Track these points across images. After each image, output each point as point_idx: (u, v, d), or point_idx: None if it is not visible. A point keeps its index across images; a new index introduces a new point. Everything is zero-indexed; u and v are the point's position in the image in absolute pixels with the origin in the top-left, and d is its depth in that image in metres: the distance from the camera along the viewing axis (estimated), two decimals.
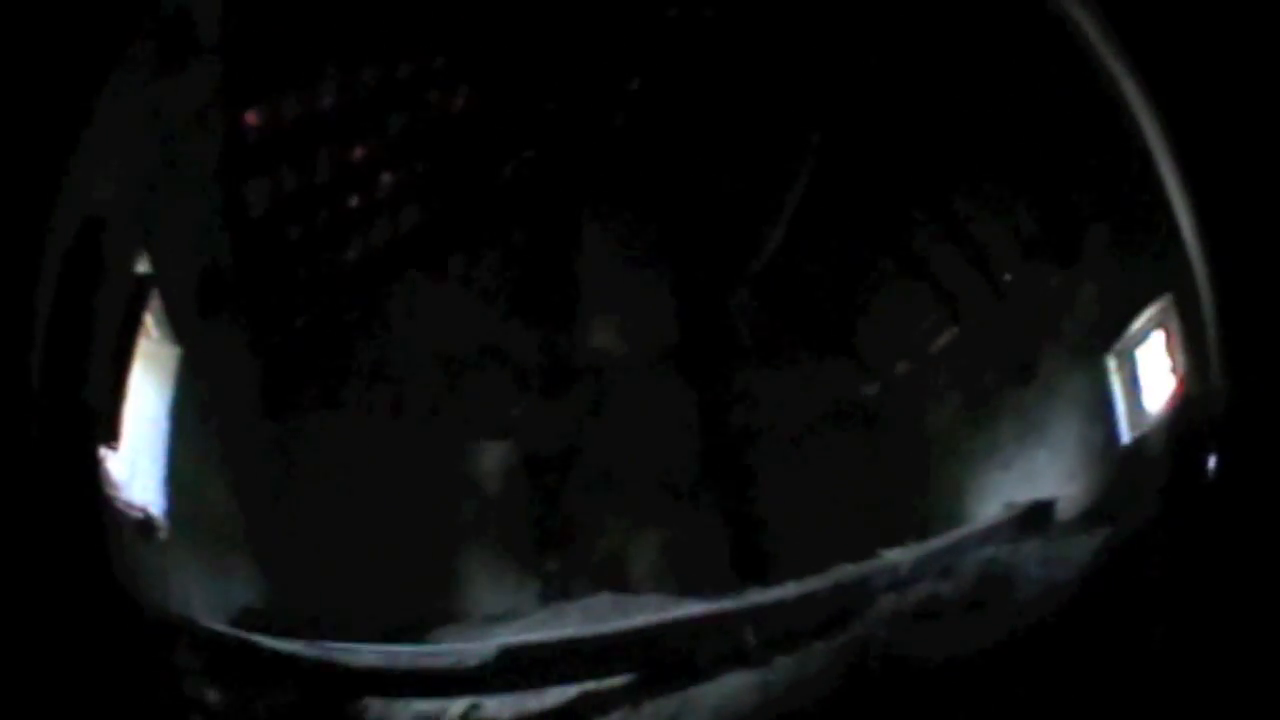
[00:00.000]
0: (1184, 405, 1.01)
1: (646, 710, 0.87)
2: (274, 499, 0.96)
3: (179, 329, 1.02)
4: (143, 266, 1.02)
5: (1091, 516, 0.95)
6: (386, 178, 0.90)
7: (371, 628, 0.93)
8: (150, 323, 1.04)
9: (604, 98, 0.84)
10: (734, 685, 0.86)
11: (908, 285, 0.87)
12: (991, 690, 0.90)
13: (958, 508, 0.90)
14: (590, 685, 0.87)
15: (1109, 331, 0.96)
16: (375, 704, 0.93)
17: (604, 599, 0.85)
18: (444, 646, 0.87)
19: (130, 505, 1.01)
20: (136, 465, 1.04)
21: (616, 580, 0.86)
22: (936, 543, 0.87)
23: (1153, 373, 1.04)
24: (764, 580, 0.86)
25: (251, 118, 0.97)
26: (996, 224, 0.90)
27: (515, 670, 0.86)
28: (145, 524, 1.02)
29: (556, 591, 0.86)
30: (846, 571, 0.85)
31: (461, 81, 0.88)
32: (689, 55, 0.82)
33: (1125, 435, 0.98)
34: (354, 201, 0.91)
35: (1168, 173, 1.07)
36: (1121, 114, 1.06)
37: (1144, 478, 0.99)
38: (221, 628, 0.97)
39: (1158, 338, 1.03)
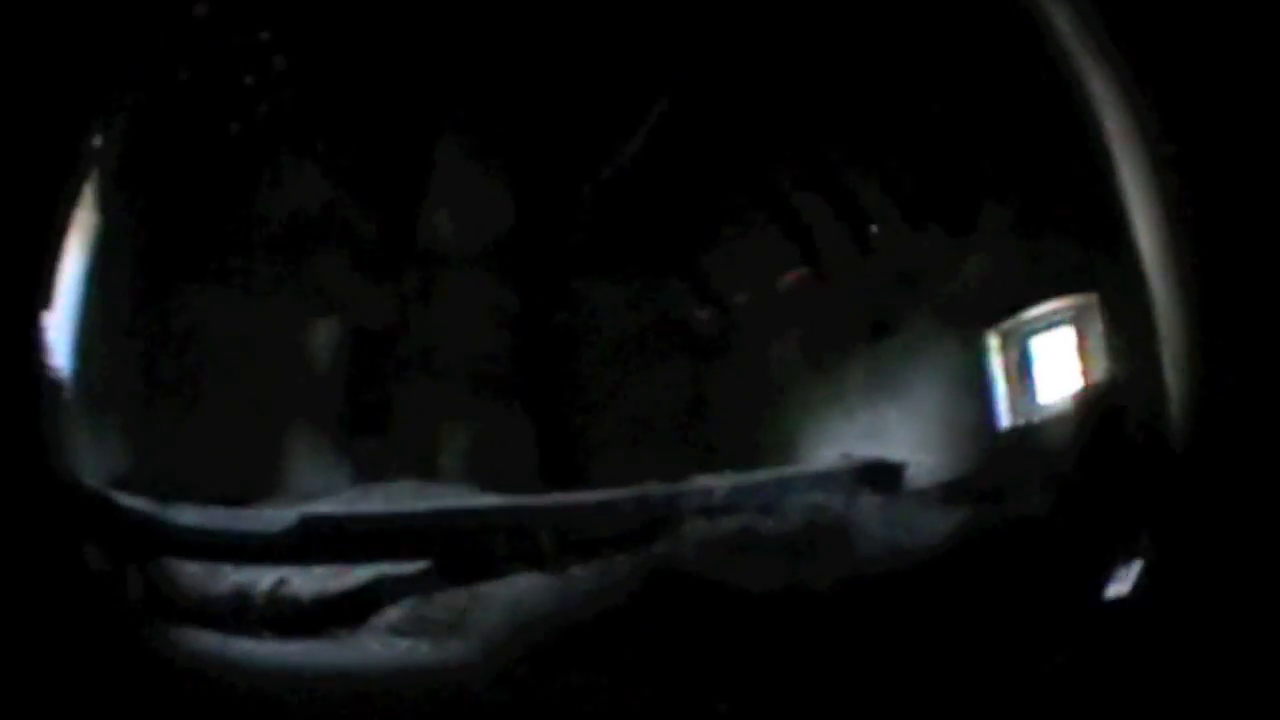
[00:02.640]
0: (1090, 407, 0.98)
1: (439, 600, 0.87)
2: (137, 369, 0.99)
3: (101, 199, 1.07)
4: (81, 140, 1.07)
5: (953, 491, 0.92)
6: (279, 61, 0.93)
7: (202, 495, 0.95)
8: (85, 191, 1.09)
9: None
10: (527, 586, 0.85)
11: (765, 221, 0.86)
12: (807, 633, 0.87)
13: (788, 448, 0.88)
14: (387, 570, 0.87)
15: (995, 311, 0.93)
16: (198, 574, 0.95)
17: (408, 484, 0.86)
18: (252, 513, 0.88)
19: (52, 369, 1.05)
20: (60, 330, 1.09)
21: (425, 468, 0.86)
22: (758, 477, 0.85)
23: (1058, 367, 1.01)
24: (568, 486, 0.85)
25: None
26: (883, 180, 0.89)
27: (313, 541, 0.87)
28: (58, 387, 1.06)
29: (366, 473, 0.87)
30: (655, 488, 0.84)
31: None
32: None
33: (1004, 419, 0.95)
34: (248, 81, 0.94)
35: (1131, 179, 1.04)
36: (1081, 105, 1.04)
37: (1029, 469, 0.96)
38: (95, 487, 1.00)
39: (1066, 333, 1.00)
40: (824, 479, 0.88)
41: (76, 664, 1.08)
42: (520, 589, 0.86)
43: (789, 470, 0.88)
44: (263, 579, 0.92)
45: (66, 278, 1.07)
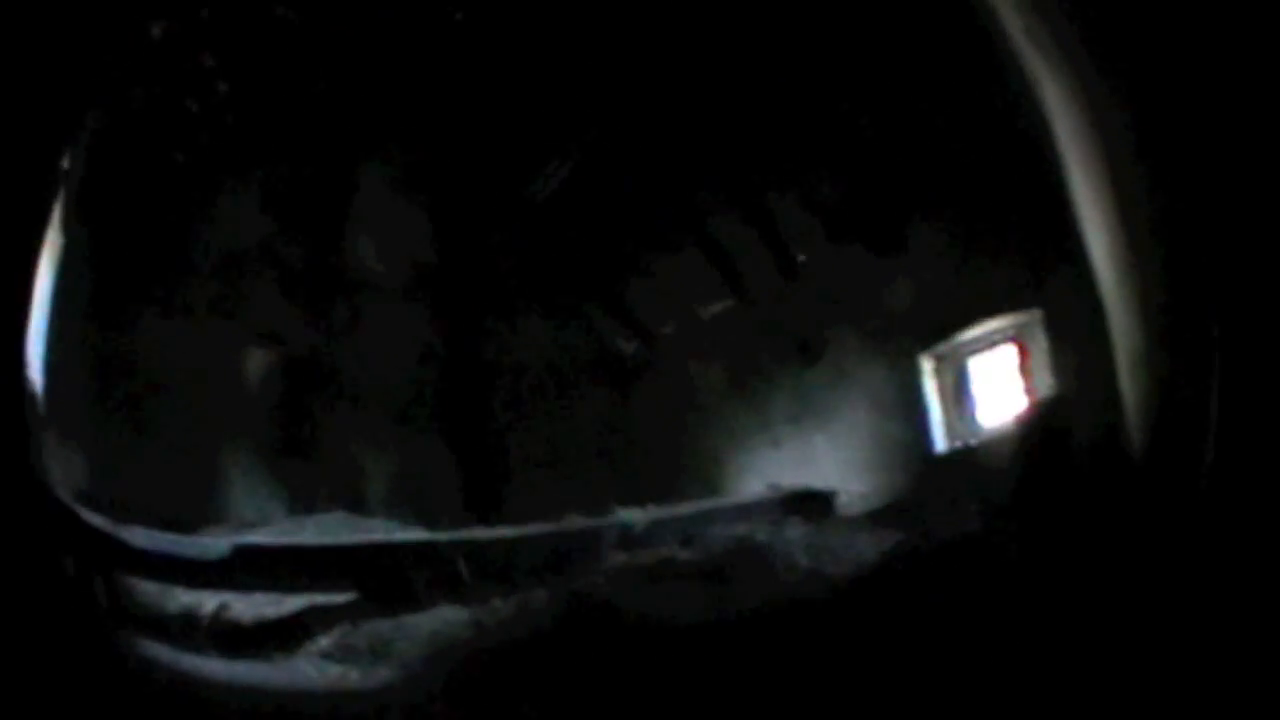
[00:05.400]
0: (1029, 428, 0.96)
1: (365, 629, 0.89)
2: (91, 388, 1.02)
3: (65, 220, 1.10)
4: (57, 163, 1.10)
5: (883, 516, 0.91)
6: (222, 87, 0.94)
7: (151, 515, 0.98)
8: (55, 213, 1.11)
9: (411, 32, 0.85)
10: (448, 617, 0.87)
11: (686, 249, 0.86)
12: (729, 662, 0.87)
13: (712, 478, 0.88)
14: (319, 599, 0.89)
15: (927, 332, 0.92)
16: (152, 594, 0.98)
17: (338, 516, 0.87)
18: (193, 539, 0.91)
19: (30, 378, 1.08)
20: (35, 344, 1.12)
21: (354, 500, 0.88)
22: (680, 509, 0.86)
23: (1000, 386, 0.99)
24: (490, 518, 0.86)
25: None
26: (807, 202, 0.88)
27: (248, 569, 0.90)
28: (33, 397, 1.10)
29: (298, 501, 0.88)
30: (574, 521, 0.85)
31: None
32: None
33: (938, 442, 0.94)
34: (193, 106, 0.95)
35: (1083, 185, 1.02)
36: (1030, 113, 1.01)
37: (965, 491, 0.95)
38: (64, 499, 1.03)
39: (1008, 351, 0.98)
40: (748, 509, 0.88)
41: (53, 662, 1.12)
42: (441, 620, 0.88)
43: (712, 501, 0.88)
44: (208, 601, 0.95)
45: (41, 294, 1.11)
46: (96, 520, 0.99)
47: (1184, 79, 1.13)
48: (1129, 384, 1.03)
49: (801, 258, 0.88)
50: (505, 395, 0.85)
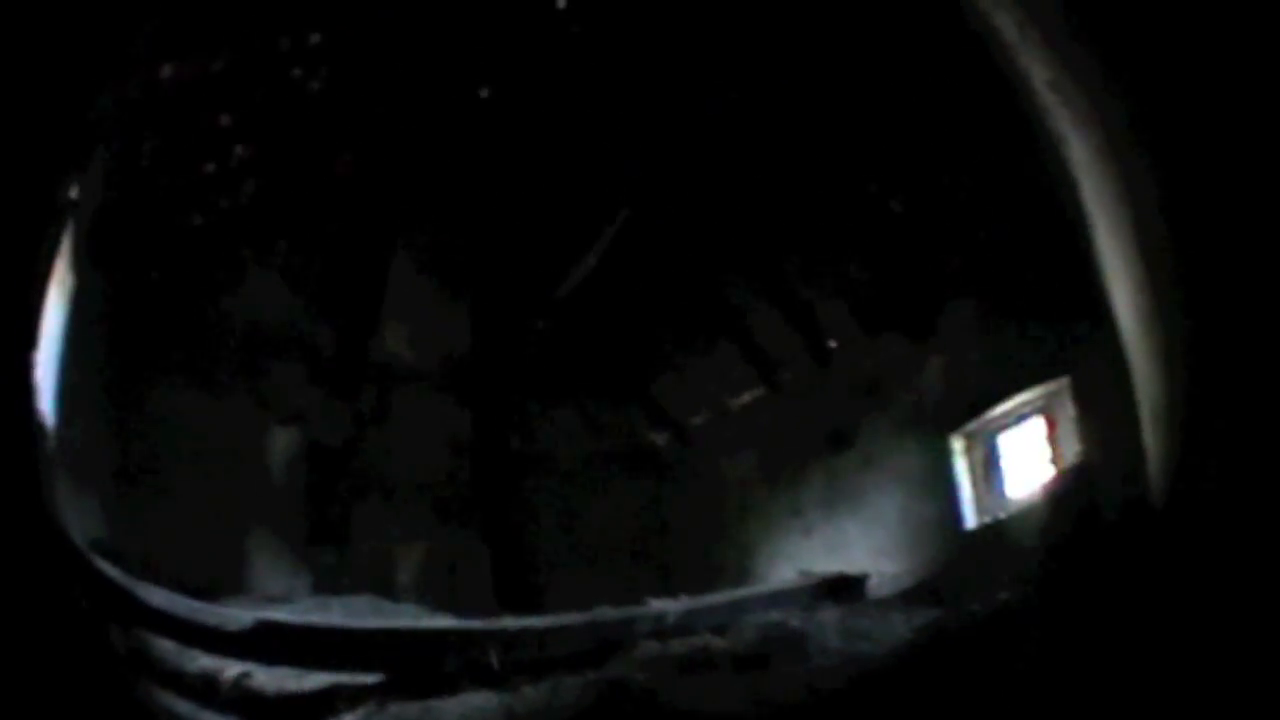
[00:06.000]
0: (1062, 496, 0.96)
1: (392, 710, 0.88)
2: (111, 446, 0.99)
3: (76, 257, 1.07)
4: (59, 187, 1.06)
5: (916, 595, 0.91)
6: (240, 150, 0.91)
7: (168, 577, 0.96)
8: (63, 245, 1.08)
9: (446, 111, 0.83)
10: (477, 703, 0.86)
11: (718, 340, 0.85)
12: None
13: (746, 568, 0.88)
14: (345, 678, 0.89)
15: (958, 413, 0.91)
16: (170, 651, 0.97)
17: (364, 599, 0.86)
18: (215, 608, 0.90)
19: (40, 416, 1.06)
20: (45, 380, 1.09)
21: (381, 584, 0.87)
22: (712, 599, 0.85)
23: (1029, 458, 0.98)
24: (521, 608, 0.85)
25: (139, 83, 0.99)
26: (839, 290, 0.87)
27: (270, 644, 0.88)
28: (44, 436, 1.07)
29: (325, 584, 0.87)
30: (607, 612, 0.84)
31: (322, 63, 0.88)
32: (532, 79, 0.80)
33: (969, 519, 0.94)
34: (209, 167, 0.93)
35: (1110, 246, 1.00)
36: (1057, 178, 0.99)
37: (995, 565, 0.95)
38: (79, 544, 1.02)
39: (1036, 423, 0.97)
40: (781, 596, 0.88)
41: (70, 700, 1.11)
42: (470, 705, 0.87)
43: (745, 590, 0.88)
44: (229, 667, 0.94)
45: (50, 331, 1.08)
46: (111, 571, 0.97)
47: (1206, 129, 1.11)
48: (1152, 437, 1.03)
49: (833, 344, 0.87)
50: (536, 487, 0.84)
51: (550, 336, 0.79)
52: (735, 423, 0.84)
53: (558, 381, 0.80)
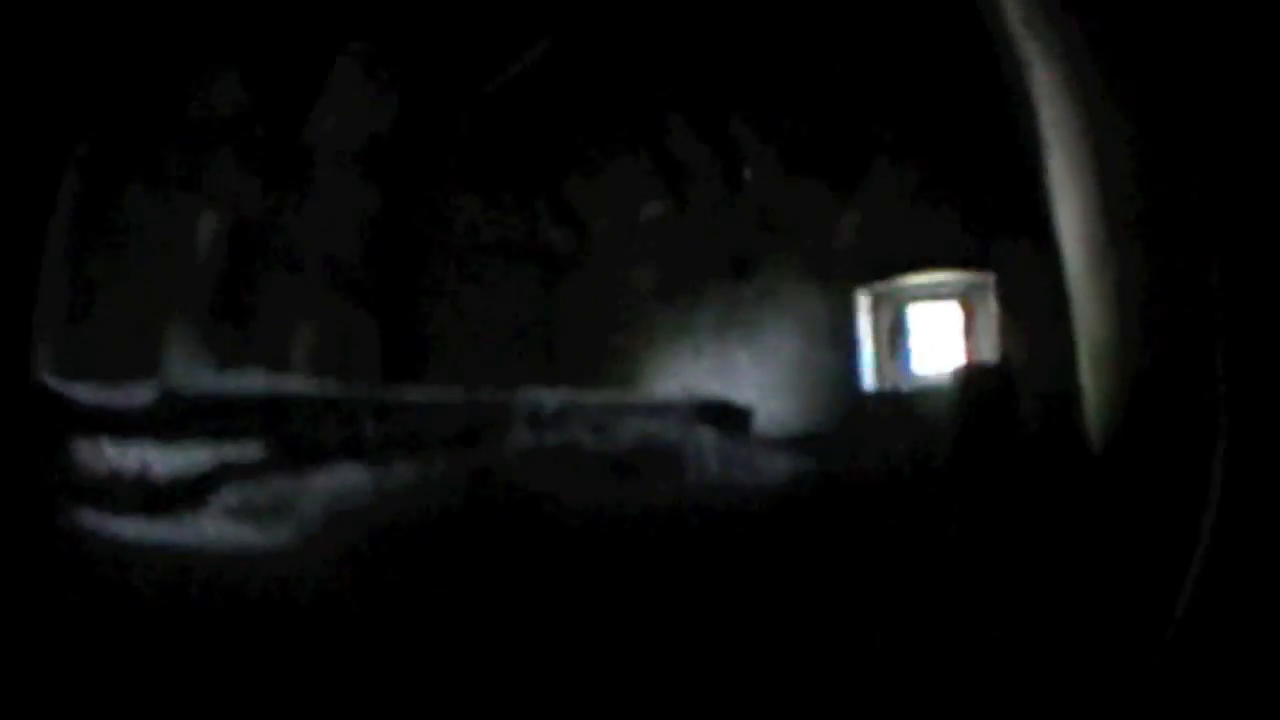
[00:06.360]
0: (975, 389, 0.95)
1: (270, 486, 0.90)
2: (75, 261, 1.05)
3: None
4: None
5: (803, 442, 0.91)
6: None
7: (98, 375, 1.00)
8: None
9: None
10: (351, 478, 0.87)
11: (636, 151, 0.88)
12: (625, 554, 0.86)
13: (629, 374, 0.88)
14: (230, 455, 0.91)
15: (870, 270, 0.92)
16: (85, 456, 1.00)
17: (257, 375, 0.89)
18: (124, 390, 0.93)
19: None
20: None
21: (282, 360, 0.89)
22: (591, 396, 0.86)
23: (935, 340, 0.98)
24: (403, 382, 0.87)
25: None
26: (767, 125, 0.89)
27: (169, 417, 0.91)
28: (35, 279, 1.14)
29: (230, 361, 0.90)
30: (485, 393, 0.85)
31: None
32: None
33: (869, 381, 0.93)
34: None
35: (1061, 167, 1.02)
36: (1013, 81, 1.02)
37: (893, 433, 0.94)
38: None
39: (950, 308, 0.98)
40: (659, 409, 0.88)
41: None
42: (343, 479, 0.88)
43: (625, 395, 0.88)
44: (130, 460, 0.96)
45: None
46: (50, 380, 1.01)
47: (1186, 79, 1.13)
48: (1090, 375, 1.02)
49: (748, 173, 0.89)
50: (436, 269, 0.87)
51: (473, 128, 0.82)
52: (640, 233, 0.84)
53: (470, 171, 0.81)
